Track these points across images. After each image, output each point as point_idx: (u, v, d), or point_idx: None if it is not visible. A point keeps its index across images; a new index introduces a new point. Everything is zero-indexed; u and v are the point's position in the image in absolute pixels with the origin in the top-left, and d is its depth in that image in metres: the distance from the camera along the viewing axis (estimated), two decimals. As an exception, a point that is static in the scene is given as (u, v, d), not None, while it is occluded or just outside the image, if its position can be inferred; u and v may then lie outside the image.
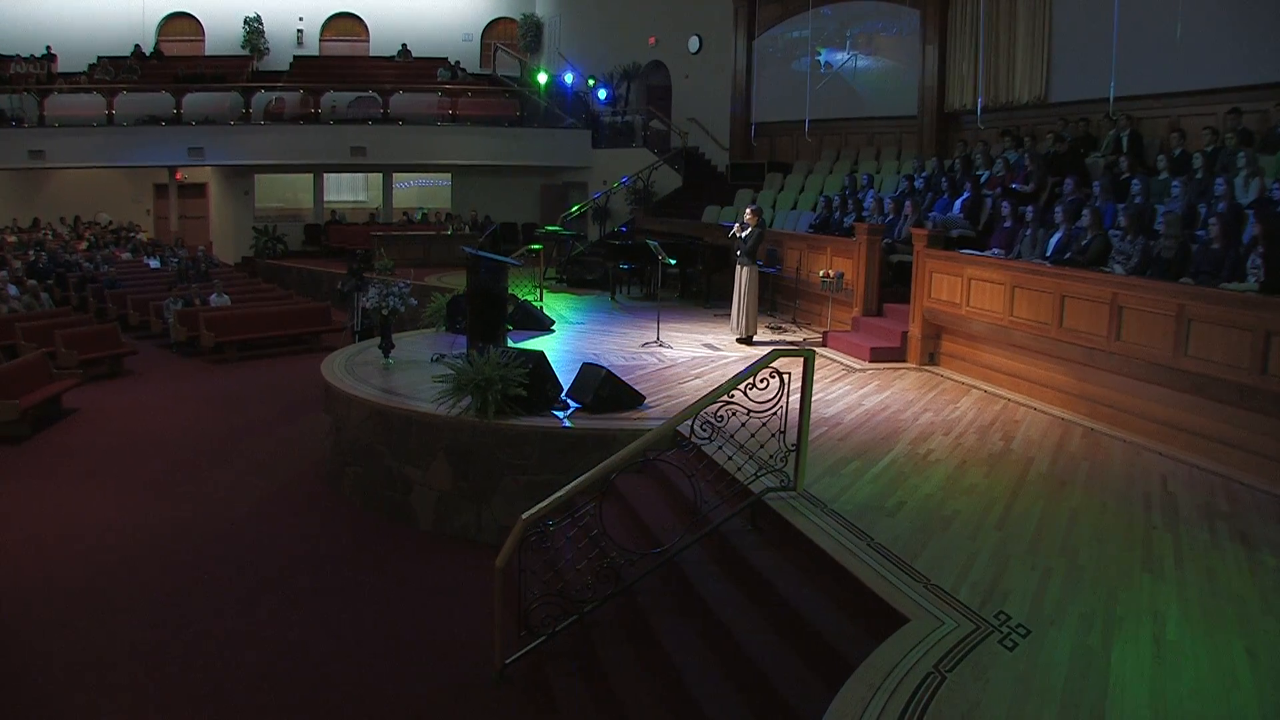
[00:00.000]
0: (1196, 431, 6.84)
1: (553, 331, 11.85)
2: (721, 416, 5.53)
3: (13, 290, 16.14)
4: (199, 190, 25.35)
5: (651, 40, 23.22)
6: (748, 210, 11.03)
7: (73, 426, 11.71)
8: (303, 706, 5.43)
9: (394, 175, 24.75)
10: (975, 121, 14.13)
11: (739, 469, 5.85)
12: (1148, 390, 7.25)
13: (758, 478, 5.76)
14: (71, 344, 13.92)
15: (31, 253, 19.51)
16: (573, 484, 5.42)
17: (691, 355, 10.36)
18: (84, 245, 21.59)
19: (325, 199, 24.84)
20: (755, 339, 11.16)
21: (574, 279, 16.78)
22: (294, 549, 7.83)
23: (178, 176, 24.09)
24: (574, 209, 20.56)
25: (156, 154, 21.34)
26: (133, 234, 23.29)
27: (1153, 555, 5.04)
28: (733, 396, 5.51)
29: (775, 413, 5.57)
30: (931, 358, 9.96)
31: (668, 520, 6.12)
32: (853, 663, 4.12)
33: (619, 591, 5.48)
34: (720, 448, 6.22)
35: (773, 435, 5.62)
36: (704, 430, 5.51)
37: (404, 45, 25.69)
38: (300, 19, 25.99)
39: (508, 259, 9.37)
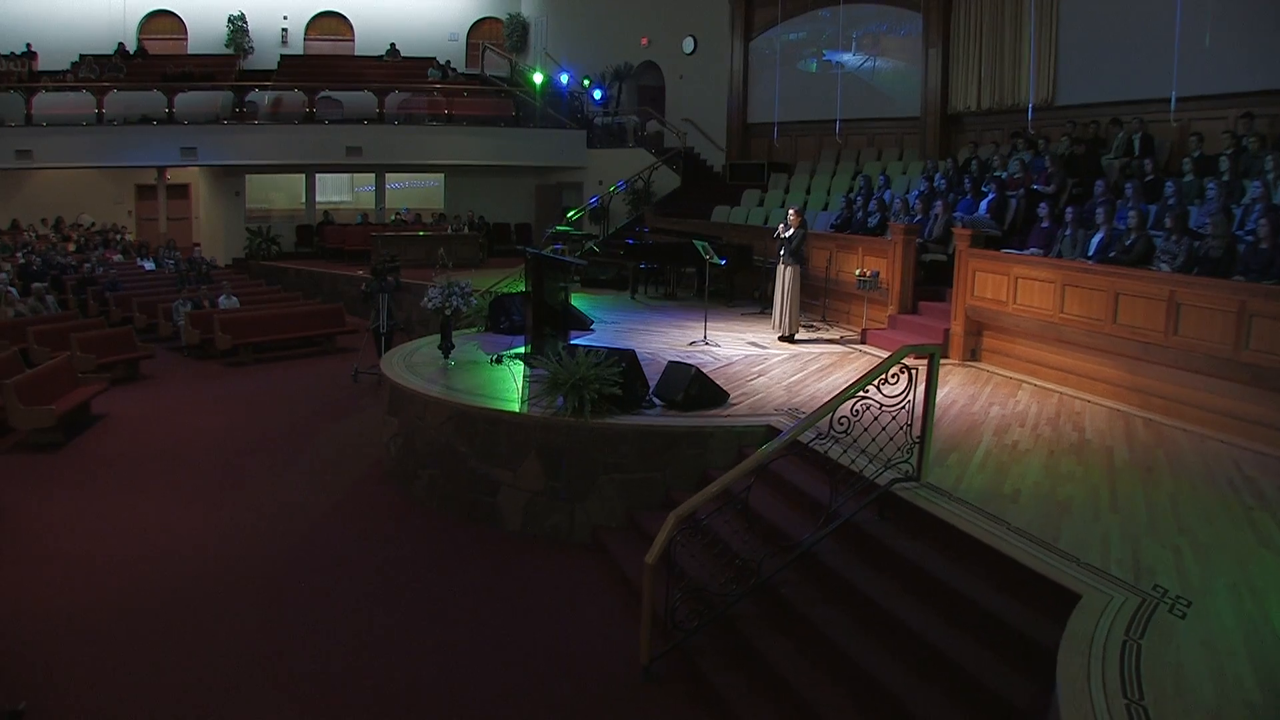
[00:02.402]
0: (1258, 420, 7.33)
1: (593, 330, 12.08)
2: (857, 411, 5.85)
3: (14, 294, 15.93)
4: (181, 191, 25.05)
5: (644, 41, 23.49)
6: (790, 211, 11.37)
7: (105, 432, 11.64)
8: (456, 709, 5.53)
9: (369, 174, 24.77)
10: (1049, 120, 14.31)
11: (866, 465, 6.13)
12: (1206, 382, 7.74)
13: (883, 471, 6.09)
14: (88, 348, 13.84)
15: (20, 255, 19.20)
16: (724, 477, 5.71)
17: (744, 354, 10.67)
18: (71, 247, 21.26)
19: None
20: (797, 337, 11.51)
21: (587, 278, 16.99)
22: (382, 554, 7.85)
23: (165, 177, 23.77)
24: (572, 213, 20.76)
25: (148, 154, 21.09)
26: (119, 235, 22.96)
27: (1261, 533, 5.49)
28: (867, 392, 5.84)
29: (904, 407, 5.92)
30: (973, 354, 10.39)
31: (788, 516, 6.43)
32: (1033, 637, 4.51)
33: (761, 583, 5.77)
34: (845, 451, 6.36)
35: (901, 428, 5.98)
36: (841, 424, 5.82)
37: (393, 44, 25.68)
38: (285, 17, 25.84)
39: (572, 259, 9.60)
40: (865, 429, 5.94)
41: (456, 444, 8.43)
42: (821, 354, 10.87)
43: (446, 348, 10.06)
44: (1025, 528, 5.40)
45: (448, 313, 9.89)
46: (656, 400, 8.22)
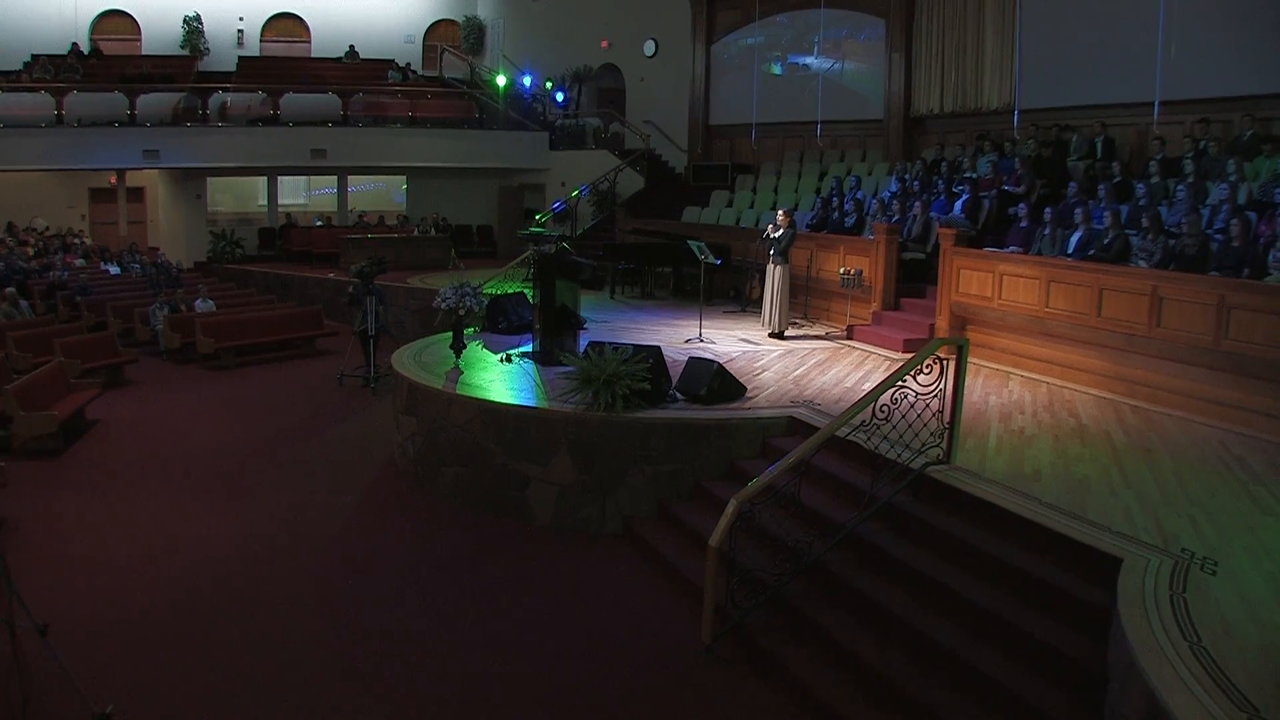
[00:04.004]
0: (1238, 405, 8.01)
1: (586, 329, 12.39)
2: (896, 399, 6.33)
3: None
4: (137, 194, 24.70)
5: (604, 44, 23.84)
6: (780, 212, 11.89)
7: (103, 438, 11.59)
8: (530, 699, 5.71)
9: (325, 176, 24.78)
10: (1011, 123, 14.98)
11: (902, 452, 6.60)
12: (1189, 371, 8.41)
13: (916, 457, 6.57)
14: (72, 353, 13.73)
15: (-20, 260, 18.82)
16: (781, 462, 6.14)
17: (740, 350, 11.12)
18: (30, 252, 20.87)
19: (260, 202, 24.71)
20: (786, 334, 12.01)
21: (562, 278, 17.29)
22: (416, 551, 7.99)
23: (118, 179, 23.45)
24: (540, 215, 21.04)
25: (110, 156, 20.79)
26: (77, 240, 22.59)
27: (1261, 503, 6.11)
28: (905, 381, 6.33)
29: (937, 394, 6.42)
30: (958, 346, 10.98)
31: (826, 501, 6.83)
32: (1079, 596, 5.03)
33: (811, 563, 6.20)
34: (884, 439, 6.67)
35: (934, 415, 6.47)
36: (882, 411, 6.30)
37: (351, 46, 25.65)
38: (240, 19, 25.62)
39: (584, 260, 9.96)
40: (904, 416, 6.42)
41: (484, 441, 8.70)
42: (814, 349, 11.38)
43: (459, 347, 10.30)
44: (1054, 502, 5.94)
45: (461, 313, 10.12)
46: (678, 395, 8.62)
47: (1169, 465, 6.89)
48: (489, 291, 14.04)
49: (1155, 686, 3.76)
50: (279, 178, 24.22)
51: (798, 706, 5.49)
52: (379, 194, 26.55)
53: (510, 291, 13.40)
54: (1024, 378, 9.86)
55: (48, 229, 23.32)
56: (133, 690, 5.70)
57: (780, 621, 6.11)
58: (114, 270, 20.17)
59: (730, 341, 11.73)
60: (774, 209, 17.06)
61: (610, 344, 8.51)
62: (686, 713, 5.53)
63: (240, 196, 25.49)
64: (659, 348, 8.65)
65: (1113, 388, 9.16)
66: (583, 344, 9.96)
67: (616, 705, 5.65)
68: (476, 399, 8.79)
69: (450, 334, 10.38)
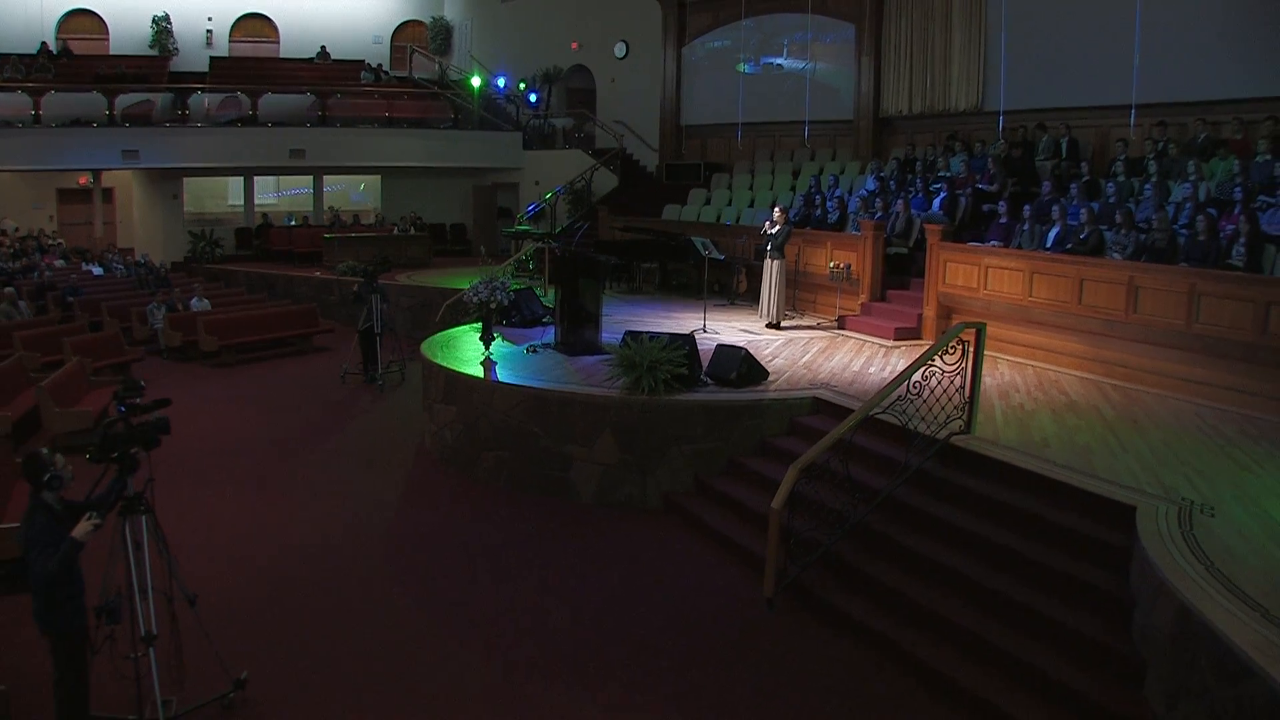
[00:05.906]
0: (1207, 382, 9.04)
1: (594, 323, 13.09)
2: (926, 376, 7.20)
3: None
4: (105, 195, 24.62)
5: (574, 45, 24.49)
6: (775, 209, 12.71)
7: (126, 433, 11.93)
8: (616, 652, 6.33)
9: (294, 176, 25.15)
10: (976, 123, 16.06)
11: (931, 424, 7.45)
12: (1162, 352, 9.44)
13: (941, 429, 7.44)
14: (83, 352, 13.99)
15: (-39, 262, 18.84)
16: (834, 431, 6.95)
17: (745, 340, 11.87)
18: (10, 253, 20.85)
19: (231, 201, 24.84)
20: (783, 325, 12.86)
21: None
22: (471, 532, 8.48)
23: (92, 180, 23.43)
24: (522, 214, 21.67)
25: (88, 157, 20.86)
26: (52, 241, 22.57)
27: (1240, 462, 7.11)
28: (933, 362, 7.19)
29: (959, 372, 7.30)
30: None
31: (863, 471, 7.61)
32: (1099, 538, 5.94)
33: (856, 523, 7.03)
34: (916, 415, 7.46)
35: (958, 390, 7.35)
36: (915, 388, 7.16)
37: (323, 47, 25.93)
38: (209, 19, 25.72)
39: (602, 257, 10.67)
40: (931, 391, 7.29)
41: (529, 425, 9.34)
42: (812, 338, 12.24)
43: (488, 339, 10.91)
44: (1069, 464, 6.86)
45: (492, 306, 10.73)
46: (709, 379, 9.40)
47: (1156, 433, 7.87)
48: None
49: (1188, 600, 4.65)
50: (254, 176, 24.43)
51: (859, 642, 6.32)
52: (338, 194, 26.70)
53: (518, 288, 14.00)
54: (1011, 361, 10.84)
55: (18, 230, 23.23)
56: (276, 656, 6.21)
57: (833, 575, 6.92)
58: (97, 271, 20.27)
59: (731, 332, 12.52)
60: (751, 206, 17.99)
61: (646, 333, 9.24)
62: (763, 653, 6.31)
63: (198, 196, 25.41)
64: (693, 336, 9.42)
65: (1093, 369, 10.16)
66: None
67: (701, 652, 6.36)
68: (521, 386, 9.44)
69: (469, 326, 10.95)
